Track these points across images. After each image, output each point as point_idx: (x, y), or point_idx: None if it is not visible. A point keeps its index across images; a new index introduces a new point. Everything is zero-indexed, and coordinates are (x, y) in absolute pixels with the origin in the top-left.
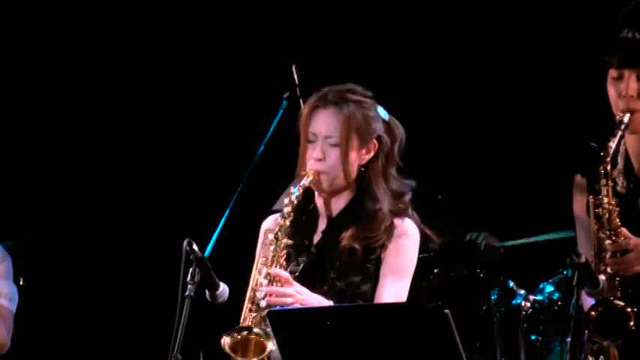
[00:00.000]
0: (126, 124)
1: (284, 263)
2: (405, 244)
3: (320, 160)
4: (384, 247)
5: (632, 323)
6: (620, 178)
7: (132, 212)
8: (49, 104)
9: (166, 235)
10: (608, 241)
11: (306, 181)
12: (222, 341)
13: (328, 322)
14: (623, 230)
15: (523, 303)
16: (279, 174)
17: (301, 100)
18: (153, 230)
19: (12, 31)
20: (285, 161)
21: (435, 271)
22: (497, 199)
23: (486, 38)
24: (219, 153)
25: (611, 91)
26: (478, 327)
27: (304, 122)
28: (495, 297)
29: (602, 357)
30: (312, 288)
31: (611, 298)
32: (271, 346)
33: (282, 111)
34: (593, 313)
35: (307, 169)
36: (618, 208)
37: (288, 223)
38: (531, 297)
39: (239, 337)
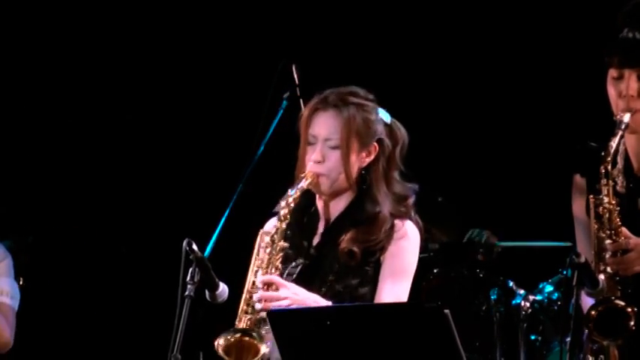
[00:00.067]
0: (126, 124)
1: (280, 266)
2: (405, 245)
3: (319, 162)
4: (383, 249)
5: (632, 323)
6: (620, 177)
7: (132, 212)
8: (49, 104)
9: (166, 235)
10: (608, 241)
11: (304, 184)
12: (215, 344)
13: (328, 322)
14: (624, 230)
15: (523, 303)
16: (279, 174)
17: (301, 100)
18: (153, 230)
19: (12, 31)
20: (286, 161)
21: (435, 271)
22: (497, 200)
23: (486, 38)
24: (219, 153)
25: (611, 91)
26: (478, 327)
27: (304, 124)
28: (495, 297)
29: (602, 357)
30: (311, 290)
31: (612, 298)
32: (265, 348)
33: (282, 111)
34: (593, 312)
35: (306, 172)
36: (619, 208)
37: (284, 225)
38: (531, 297)
39: (232, 339)
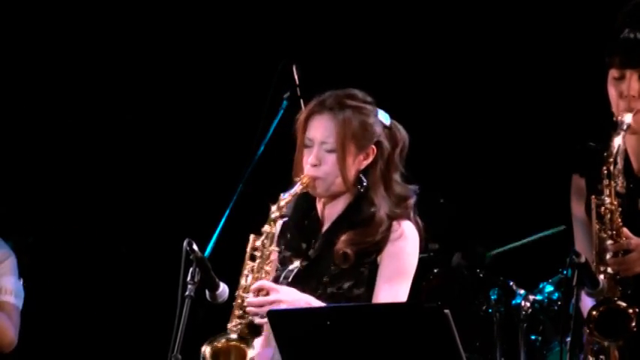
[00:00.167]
0: (126, 125)
1: (270, 270)
2: (402, 246)
3: (315, 165)
4: (379, 250)
5: (633, 324)
6: (620, 178)
7: (132, 212)
8: (49, 104)
9: (166, 235)
10: (609, 242)
11: (297, 189)
12: (202, 350)
13: (328, 322)
14: (625, 230)
15: (523, 303)
16: (279, 174)
17: (301, 101)
18: (153, 230)
19: (12, 31)
20: (286, 162)
21: (435, 271)
22: (497, 199)
23: (486, 39)
24: (219, 153)
25: (612, 92)
26: (478, 327)
27: (301, 127)
28: (495, 297)
29: (602, 357)
30: (307, 292)
31: (614, 299)
32: (252, 353)
33: (282, 111)
34: (594, 312)
35: (302, 176)
36: (622, 209)
37: (274, 230)
38: (531, 297)
39: (219, 345)
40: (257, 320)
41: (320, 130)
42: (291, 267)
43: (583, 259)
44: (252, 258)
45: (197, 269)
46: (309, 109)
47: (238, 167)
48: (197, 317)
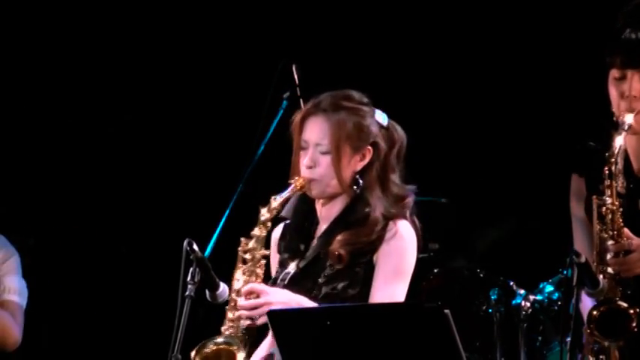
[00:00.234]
0: (125, 125)
1: (260, 273)
2: (397, 246)
3: (310, 167)
4: (374, 250)
5: (634, 324)
6: (620, 178)
7: (132, 212)
8: (49, 104)
9: (166, 235)
10: (610, 242)
11: (289, 191)
12: (191, 356)
13: (328, 322)
14: (626, 231)
15: (523, 303)
16: (279, 174)
17: (301, 101)
18: (153, 230)
19: (12, 31)
20: (286, 162)
21: (435, 271)
22: (497, 199)
23: (486, 39)
24: (219, 153)
25: (613, 92)
26: (478, 327)
27: (297, 129)
28: (495, 297)
29: (602, 357)
30: (303, 293)
31: (615, 299)
32: (241, 355)
33: (282, 111)
34: (595, 312)
35: (295, 178)
36: (622, 209)
37: (264, 233)
38: (531, 297)
39: (208, 351)
40: (248, 323)
41: (314, 131)
42: (288, 268)
43: (583, 259)
44: (244, 261)
45: (197, 269)
46: (304, 111)
47: (238, 167)
48: (197, 317)
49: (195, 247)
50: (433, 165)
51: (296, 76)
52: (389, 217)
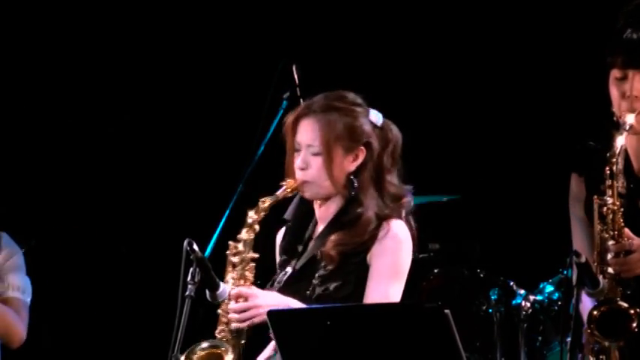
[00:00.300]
0: (125, 125)
1: (250, 276)
2: (390, 246)
3: (303, 169)
4: (367, 250)
5: (634, 325)
6: (621, 178)
7: (132, 212)
8: (49, 105)
9: (166, 235)
10: (611, 242)
11: (279, 193)
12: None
13: (328, 322)
14: (626, 231)
15: (523, 303)
16: (279, 175)
17: (301, 101)
18: (153, 230)
19: (12, 31)
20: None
21: (435, 271)
22: (496, 199)
23: (486, 39)
24: (219, 153)
25: (614, 92)
26: (478, 327)
27: (290, 131)
28: (495, 297)
29: (602, 357)
30: (299, 294)
31: (615, 299)
32: (229, 358)
33: (282, 111)
34: (595, 312)
35: (286, 180)
36: (623, 209)
37: (252, 236)
38: (531, 297)
39: (195, 357)
40: (237, 326)
41: (306, 133)
42: (286, 270)
43: (583, 259)
44: (234, 265)
45: (197, 269)
46: (297, 113)
47: (238, 167)
48: (197, 317)
49: (195, 247)
50: (433, 165)
51: (296, 77)
52: (382, 217)
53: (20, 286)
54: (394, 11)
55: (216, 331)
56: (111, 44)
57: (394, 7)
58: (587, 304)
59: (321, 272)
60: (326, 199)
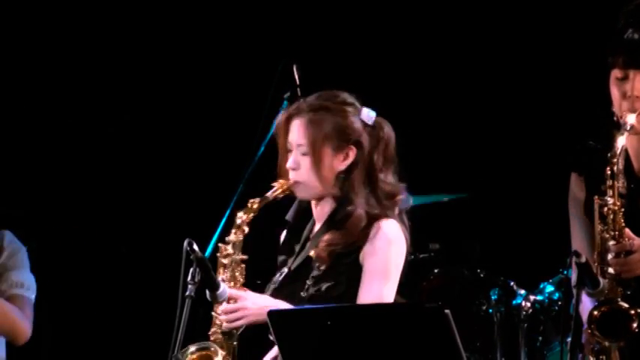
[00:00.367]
0: (125, 125)
1: (241, 277)
2: (380, 245)
3: (294, 169)
4: (359, 249)
5: (635, 325)
6: (621, 178)
7: (132, 212)
8: (49, 105)
9: (166, 235)
10: (612, 242)
11: (269, 195)
12: None
13: (329, 322)
14: (627, 231)
15: (523, 303)
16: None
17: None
18: (153, 230)
19: (12, 31)
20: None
21: (436, 271)
22: (496, 198)
23: (487, 38)
24: (219, 153)
25: (615, 92)
26: (478, 327)
27: (282, 132)
28: (496, 297)
29: (602, 357)
30: (294, 294)
31: (616, 299)
32: (219, 359)
33: (282, 111)
34: (596, 312)
35: (278, 181)
36: (623, 209)
37: (241, 237)
38: (532, 297)
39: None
40: (227, 326)
41: (295, 133)
42: (283, 270)
43: (584, 260)
44: (225, 267)
45: (197, 269)
46: (288, 112)
47: (238, 167)
48: (197, 317)
49: (195, 247)
50: (433, 165)
51: (297, 77)
52: (374, 217)
53: (24, 283)
54: (395, 11)
55: (210, 332)
56: (111, 44)
57: (394, 7)
58: (587, 304)
59: (315, 273)
60: (320, 198)
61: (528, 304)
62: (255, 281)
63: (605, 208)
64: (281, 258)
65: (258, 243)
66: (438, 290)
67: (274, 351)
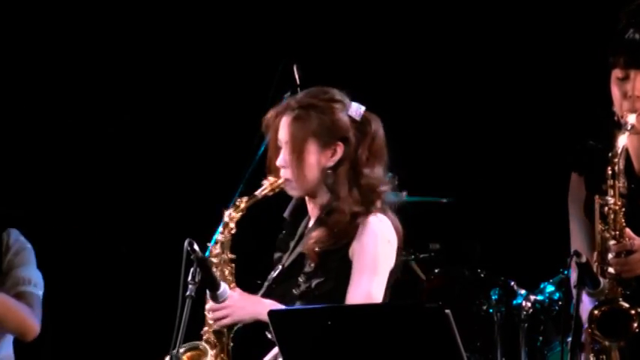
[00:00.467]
0: (125, 125)
1: (230, 276)
2: (367, 241)
3: (284, 167)
4: (348, 245)
5: (635, 325)
6: (622, 178)
7: (132, 212)
8: (49, 104)
9: (167, 235)
10: (612, 242)
11: (258, 193)
12: None
13: (329, 322)
14: (628, 231)
15: (524, 303)
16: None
17: None
18: (153, 230)
19: (12, 31)
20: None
21: (436, 271)
22: (496, 198)
23: (487, 37)
24: (219, 153)
25: (616, 92)
26: (479, 327)
27: (273, 129)
28: (496, 297)
29: (602, 357)
30: (287, 291)
31: (617, 299)
32: (208, 358)
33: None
34: (596, 312)
35: (268, 179)
36: (624, 209)
37: (228, 236)
38: (532, 297)
39: None
40: (219, 324)
41: (283, 131)
42: (278, 266)
43: (584, 259)
44: (215, 266)
45: (198, 269)
46: (277, 110)
47: (238, 167)
48: (197, 317)
49: (195, 247)
50: (433, 165)
51: (297, 76)
52: (360, 212)
53: (32, 280)
54: (395, 11)
55: (203, 331)
56: (111, 44)
57: (395, 7)
58: (587, 304)
59: (307, 269)
60: (313, 195)
61: (529, 304)
62: (255, 281)
63: (606, 208)
64: (277, 255)
65: (259, 242)
66: (439, 290)
67: (274, 351)
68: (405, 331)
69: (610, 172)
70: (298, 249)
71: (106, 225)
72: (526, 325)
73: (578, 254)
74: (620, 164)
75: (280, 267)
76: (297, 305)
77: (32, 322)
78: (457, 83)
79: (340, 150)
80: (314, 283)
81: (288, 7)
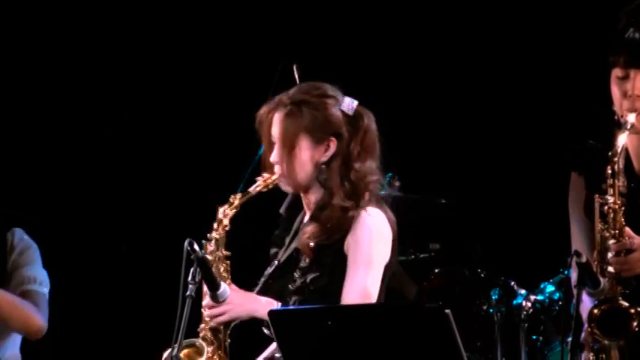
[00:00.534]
0: (125, 125)
1: (226, 274)
2: (361, 235)
3: (277, 163)
4: (342, 239)
5: (635, 324)
6: (622, 177)
7: (132, 212)
8: (49, 104)
9: (167, 235)
10: (612, 241)
11: (251, 190)
12: None
13: (329, 322)
14: (627, 230)
15: (524, 303)
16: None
17: None
18: (153, 230)
19: (12, 31)
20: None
21: (436, 271)
22: (496, 198)
23: (487, 37)
24: (219, 153)
25: (616, 91)
26: (479, 327)
27: (267, 126)
28: (496, 297)
29: (602, 356)
30: (284, 287)
31: (617, 298)
32: (205, 355)
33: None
34: (596, 311)
35: (262, 175)
36: (624, 208)
37: (222, 233)
38: (532, 297)
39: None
40: (216, 321)
41: (276, 127)
42: (274, 262)
43: (584, 259)
44: (211, 263)
45: (198, 269)
46: (269, 106)
47: (238, 167)
48: (197, 317)
49: (195, 247)
50: (433, 165)
51: (297, 76)
52: (352, 207)
53: (37, 279)
54: (395, 11)
55: (199, 329)
56: (111, 44)
57: (395, 7)
58: (587, 303)
59: (302, 264)
60: (306, 191)
61: (529, 304)
62: (251, 277)
63: (606, 207)
64: (273, 251)
65: (258, 242)
66: (439, 290)
67: (271, 347)
68: (405, 331)
69: (610, 172)
70: (293, 245)
71: (106, 224)
72: (526, 325)
73: (578, 254)
74: (619, 163)
75: (276, 263)
76: (293, 300)
77: (38, 320)
78: (457, 83)
79: (333, 145)
80: (309, 278)
81: (287, 7)
